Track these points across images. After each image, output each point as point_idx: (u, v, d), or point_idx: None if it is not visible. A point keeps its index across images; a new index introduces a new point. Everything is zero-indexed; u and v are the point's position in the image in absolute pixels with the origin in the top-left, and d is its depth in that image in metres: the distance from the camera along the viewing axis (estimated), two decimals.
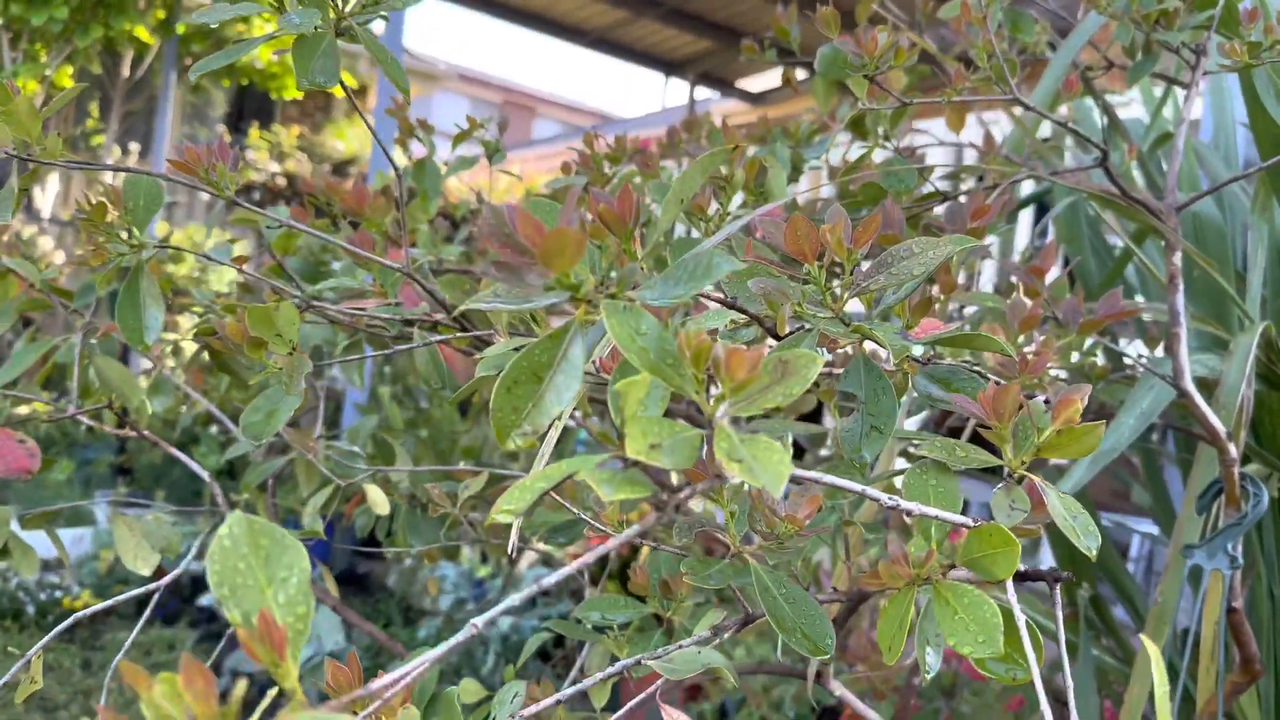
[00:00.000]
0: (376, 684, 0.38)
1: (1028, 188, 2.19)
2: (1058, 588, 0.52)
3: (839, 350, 0.65)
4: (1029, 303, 0.82)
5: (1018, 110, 1.32)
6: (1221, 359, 1.16)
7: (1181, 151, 1.09)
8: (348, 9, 0.65)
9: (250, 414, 0.79)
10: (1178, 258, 1.03)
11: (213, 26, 8.29)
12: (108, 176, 2.44)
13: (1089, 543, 0.51)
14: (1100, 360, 1.38)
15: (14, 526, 1.22)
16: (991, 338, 0.59)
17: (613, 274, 0.48)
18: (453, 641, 0.47)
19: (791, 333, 0.62)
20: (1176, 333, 1.02)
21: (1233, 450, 1.02)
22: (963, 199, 1.00)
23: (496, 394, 0.45)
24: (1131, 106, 3.10)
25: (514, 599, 0.47)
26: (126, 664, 0.31)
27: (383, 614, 4.42)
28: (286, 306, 0.78)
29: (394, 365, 4.12)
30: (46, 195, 7.82)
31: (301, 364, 0.77)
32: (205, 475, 1.06)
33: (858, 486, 0.47)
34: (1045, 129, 1.67)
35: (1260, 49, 1.15)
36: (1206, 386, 1.19)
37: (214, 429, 5.16)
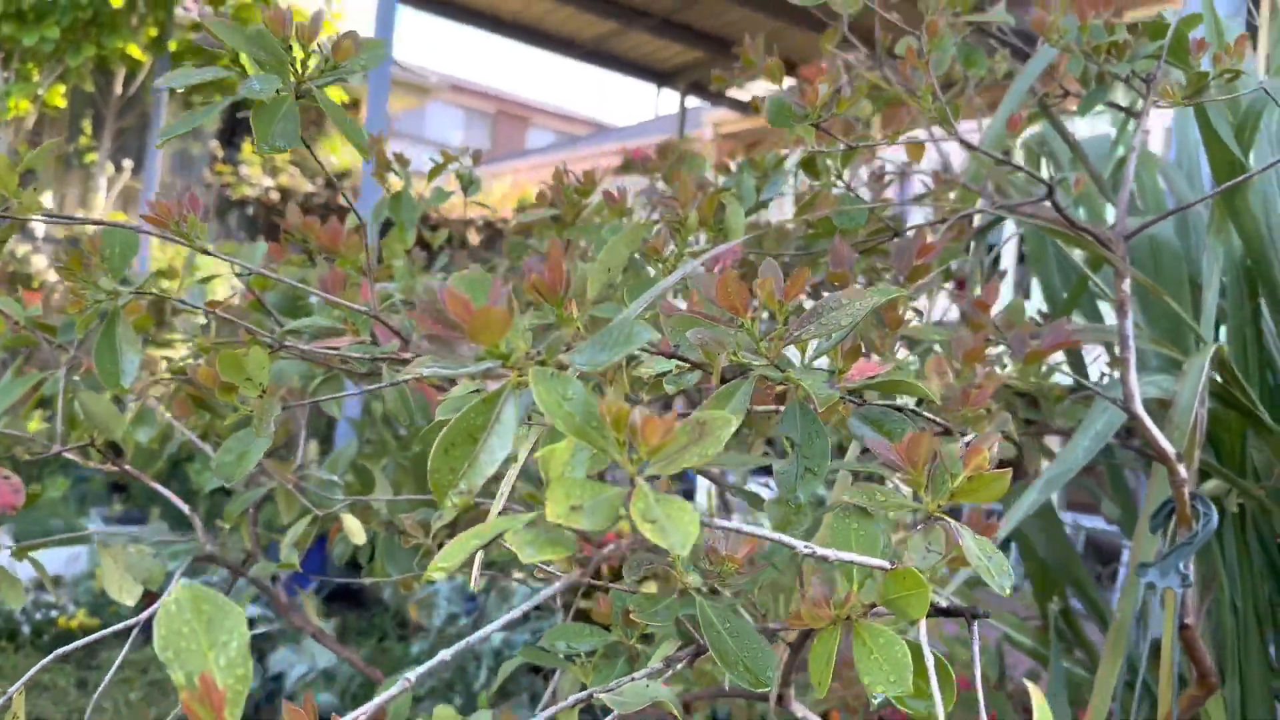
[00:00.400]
0: None
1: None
2: (975, 623, 0.55)
3: (777, 392, 0.68)
4: (971, 336, 0.85)
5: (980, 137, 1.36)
6: (1176, 380, 1.19)
7: (1131, 179, 1.12)
8: (307, 74, 0.68)
9: (223, 454, 0.82)
10: (1126, 284, 1.06)
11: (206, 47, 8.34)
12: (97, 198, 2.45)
13: (1003, 581, 0.54)
14: (1065, 379, 1.41)
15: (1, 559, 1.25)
16: (912, 383, 0.62)
17: (557, 334, 0.51)
18: (420, 670, 0.50)
19: (731, 378, 0.65)
20: (1126, 358, 1.05)
21: (1182, 471, 1.05)
22: (913, 232, 1.04)
23: (434, 455, 0.48)
24: (1100, 122, 3.13)
25: (472, 638, 0.50)
26: None
27: (378, 629, 4.45)
28: (255, 351, 0.81)
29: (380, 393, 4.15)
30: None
31: (271, 407, 0.80)
32: (185, 508, 1.09)
33: (774, 535, 0.50)
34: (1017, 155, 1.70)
35: (1207, 79, 1.19)
36: (1165, 406, 1.23)
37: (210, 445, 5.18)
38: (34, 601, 4.25)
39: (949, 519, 0.56)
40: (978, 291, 1.58)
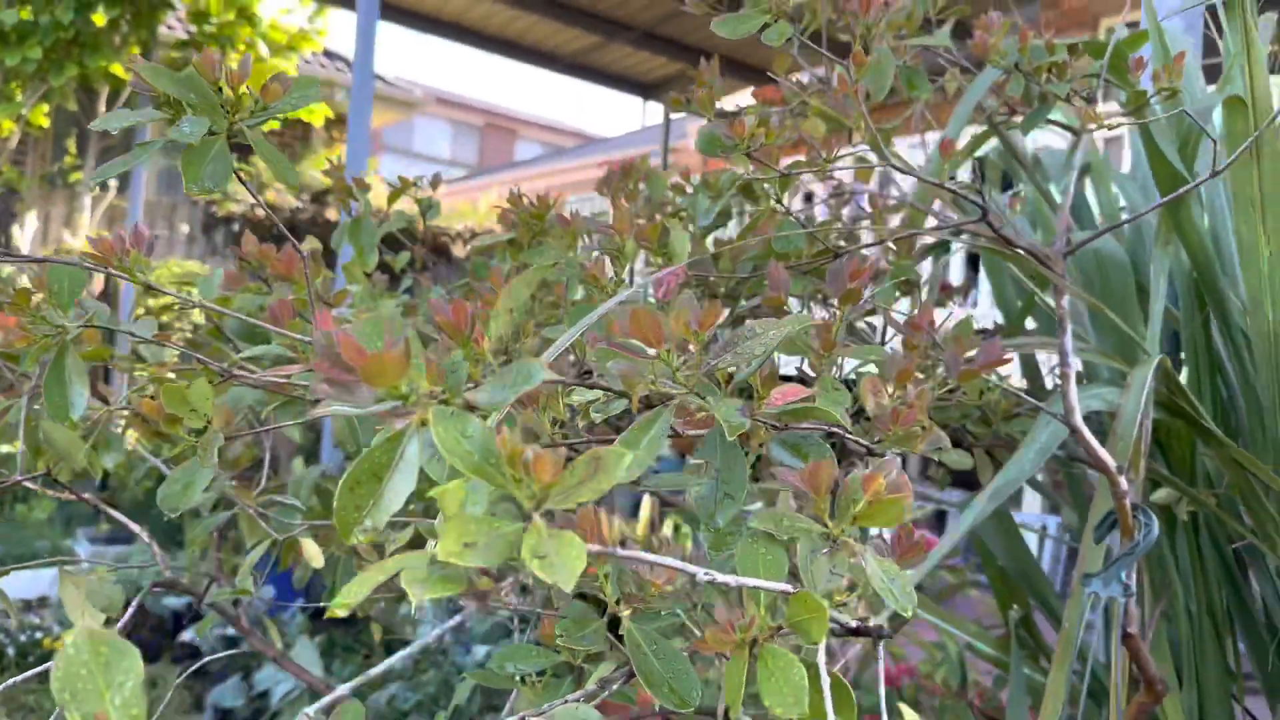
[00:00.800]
0: None
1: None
2: (880, 644, 0.57)
3: (699, 418, 0.69)
4: (904, 356, 0.87)
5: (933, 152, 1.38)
6: (1121, 392, 1.21)
7: (1070, 197, 1.14)
8: (239, 115, 0.70)
9: (169, 485, 0.83)
10: (1065, 300, 1.08)
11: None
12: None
13: (904, 602, 0.56)
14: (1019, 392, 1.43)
15: None
16: (823, 410, 0.64)
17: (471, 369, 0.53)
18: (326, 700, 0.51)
19: (653, 406, 0.67)
20: (1066, 372, 1.07)
21: (1123, 482, 1.07)
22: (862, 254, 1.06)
23: (340, 493, 0.49)
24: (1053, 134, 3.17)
25: (391, 660, 0.52)
26: None
27: (364, 644, 4.45)
28: (199, 383, 0.82)
29: None
30: (25, 234, 7.84)
31: (215, 438, 0.82)
32: (144, 535, 1.10)
33: (669, 561, 0.51)
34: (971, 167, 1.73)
35: (1146, 97, 1.21)
36: (1114, 418, 1.25)
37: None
38: (19, 623, 4.25)
39: (853, 542, 0.58)
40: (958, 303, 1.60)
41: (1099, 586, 1.08)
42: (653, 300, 0.89)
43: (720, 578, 0.52)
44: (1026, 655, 1.52)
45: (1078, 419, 1.07)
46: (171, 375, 1.09)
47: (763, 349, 0.63)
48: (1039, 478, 1.83)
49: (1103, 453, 1.07)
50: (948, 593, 2.47)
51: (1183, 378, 1.48)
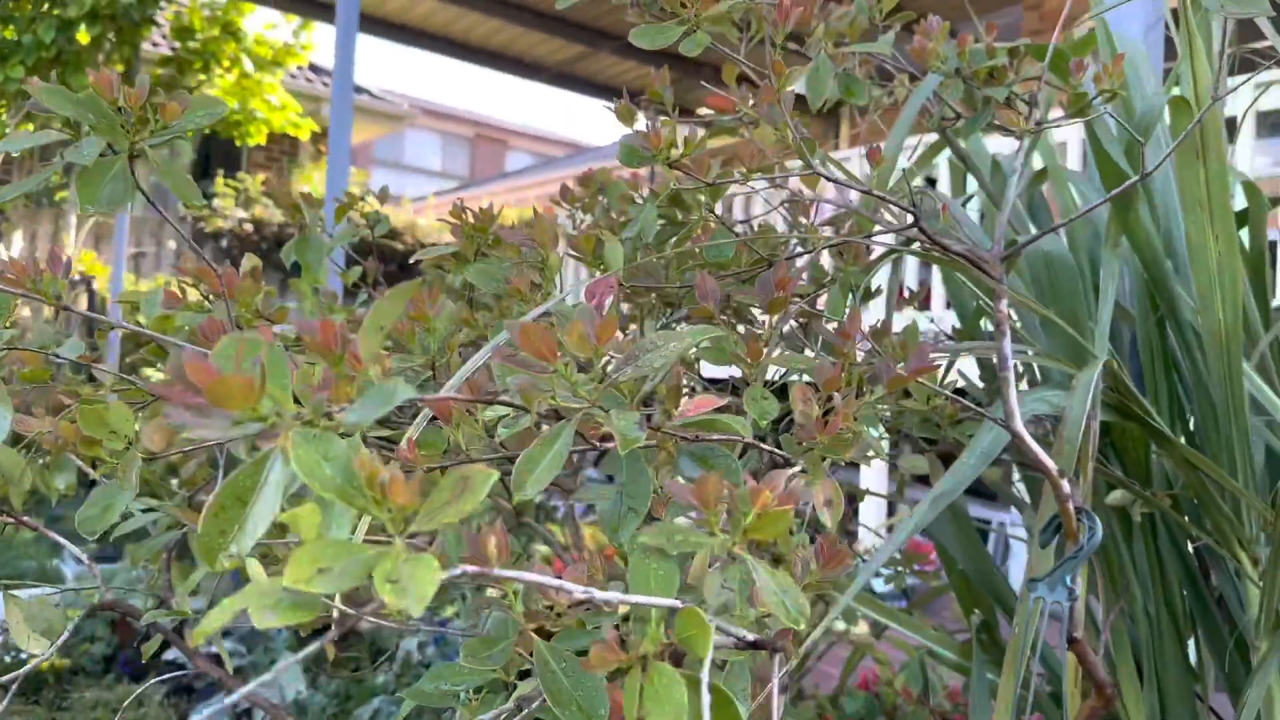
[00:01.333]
0: None
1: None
2: (778, 656, 0.57)
3: (602, 433, 0.69)
4: (831, 366, 0.87)
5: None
6: (1066, 395, 1.21)
7: (1011, 201, 1.14)
8: (140, 135, 0.69)
9: (87, 508, 0.83)
10: (1004, 305, 1.08)
11: (175, 74, 8.35)
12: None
13: (795, 614, 0.55)
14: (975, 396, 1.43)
15: None
16: (726, 421, 0.63)
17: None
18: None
19: (556, 420, 0.66)
20: (1005, 376, 1.07)
21: (1065, 486, 1.07)
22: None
23: (204, 519, 0.49)
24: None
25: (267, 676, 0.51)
26: None
27: (353, 659, 4.44)
28: (118, 405, 0.82)
29: None
30: (11, 252, 7.83)
31: (134, 461, 0.81)
32: (84, 557, 1.09)
33: (544, 579, 0.51)
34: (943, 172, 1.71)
35: (1087, 98, 1.21)
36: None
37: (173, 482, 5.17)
38: (2, 644, 4.23)
39: (747, 556, 0.58)
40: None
41: (1044, 591, 1.08)
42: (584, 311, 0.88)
43: (601, 596, 0.52)
44: (989, 659, 1.51)
45: (1018, 423, 1.06)
46: (110, 396, 1.09)
47: (663, 361, 0.63)
48: (1011, 480, 1.82)
49: (1043, 456, 1.07)
50: (929, 598, 2.46)
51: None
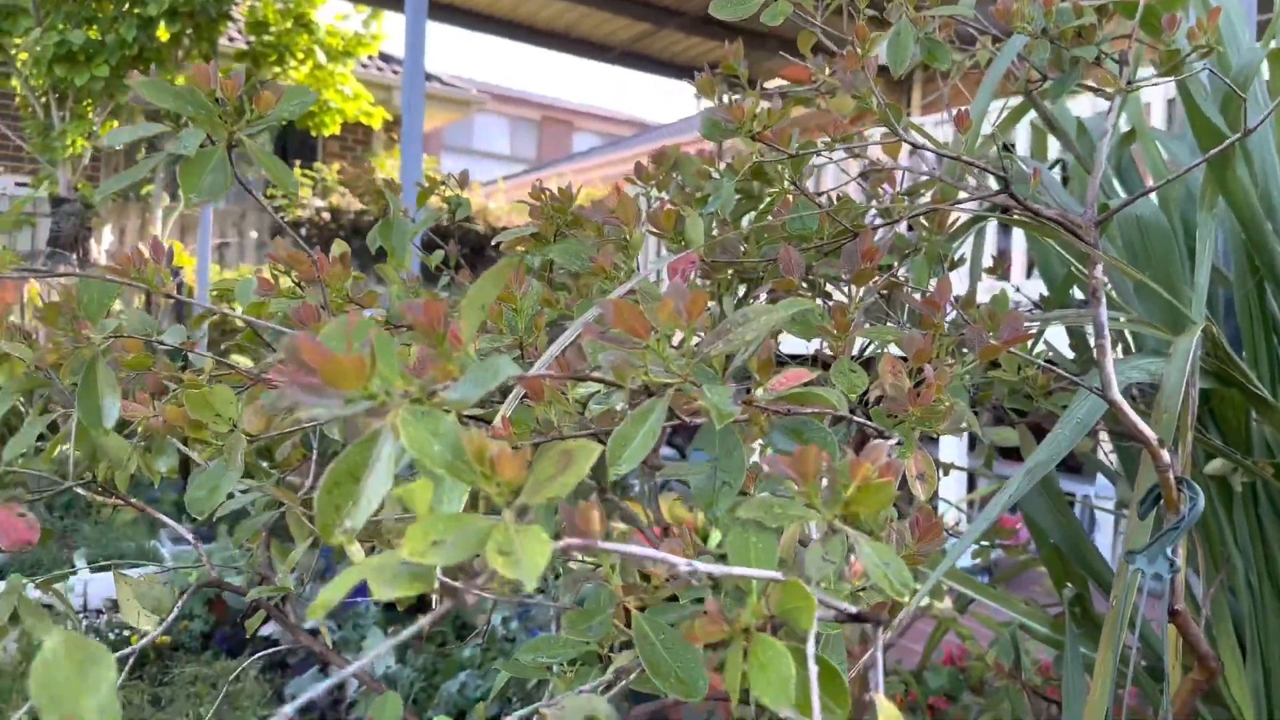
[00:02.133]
0: None
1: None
2: (879, 629, 0.56)
3: (695, 408, 0.69)
4: (921, 336, 0.85)
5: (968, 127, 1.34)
6: (1164, 363, 1.17)
7: (1103, 163, 1.11)
8: (237, 126, 0.71)
9: (194, 489, 0.86)
10: (1098, 270, 1.05)
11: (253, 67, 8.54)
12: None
13: (899, 586, 0.55)
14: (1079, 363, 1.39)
15: (34, 592, 1.31)
16: (818, 394, 0.63)
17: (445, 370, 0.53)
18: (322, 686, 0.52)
19: (648, 395, 0.67)
20: (1101, 344, 1.04)
21: (1165, 455, 1.04)
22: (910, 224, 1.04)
23: (320, 495, 0.50)
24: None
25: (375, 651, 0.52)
26: None
27: (439, 633, 4.53)
28: (221, 389, 0.84)
29: None
30: (101, 246, 8.11)
31: (239, 443, 0.84)
32: (189, 535, 1.14)
33: (649, 552, 0.51)
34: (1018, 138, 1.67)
35: (1180, 55, 1.17)
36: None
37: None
38: (108, 621, 4.42)
39: (848, 528, 0.57)
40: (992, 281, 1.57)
41: (1144, 563, 1.05)
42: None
43: (704, 567, 0.52)
44: (1082, 634, 1.48)
45: (1115, 392, 1.03)
46: (204, 382, 1.12)
47: (754, 334, 0.63)
48: (1099, 453, 1.78)
49: (1142, 425, 1.04)
50: (1014, 572, 2.42)
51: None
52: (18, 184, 8.82)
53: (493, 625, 4.10)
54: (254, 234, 9.82)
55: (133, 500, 1.15)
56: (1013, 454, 1.76)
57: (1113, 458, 1.72)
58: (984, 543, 2.14)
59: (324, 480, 0.50)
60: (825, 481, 0.57)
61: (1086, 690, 1.47)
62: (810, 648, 0.52)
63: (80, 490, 1.20)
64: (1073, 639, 1.46)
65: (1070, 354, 1.62)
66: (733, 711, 0.66)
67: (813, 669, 0.51)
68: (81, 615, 4.48)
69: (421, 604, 4.90)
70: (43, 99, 7.39)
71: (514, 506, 0.48)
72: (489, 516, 0.49)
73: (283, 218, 8.63)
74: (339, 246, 1.23)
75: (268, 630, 4.42)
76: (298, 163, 10.34)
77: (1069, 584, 1.51)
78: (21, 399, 1.35)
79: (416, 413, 0.49)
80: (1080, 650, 1.47)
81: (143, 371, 1.17)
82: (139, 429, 1.05)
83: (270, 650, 1.59)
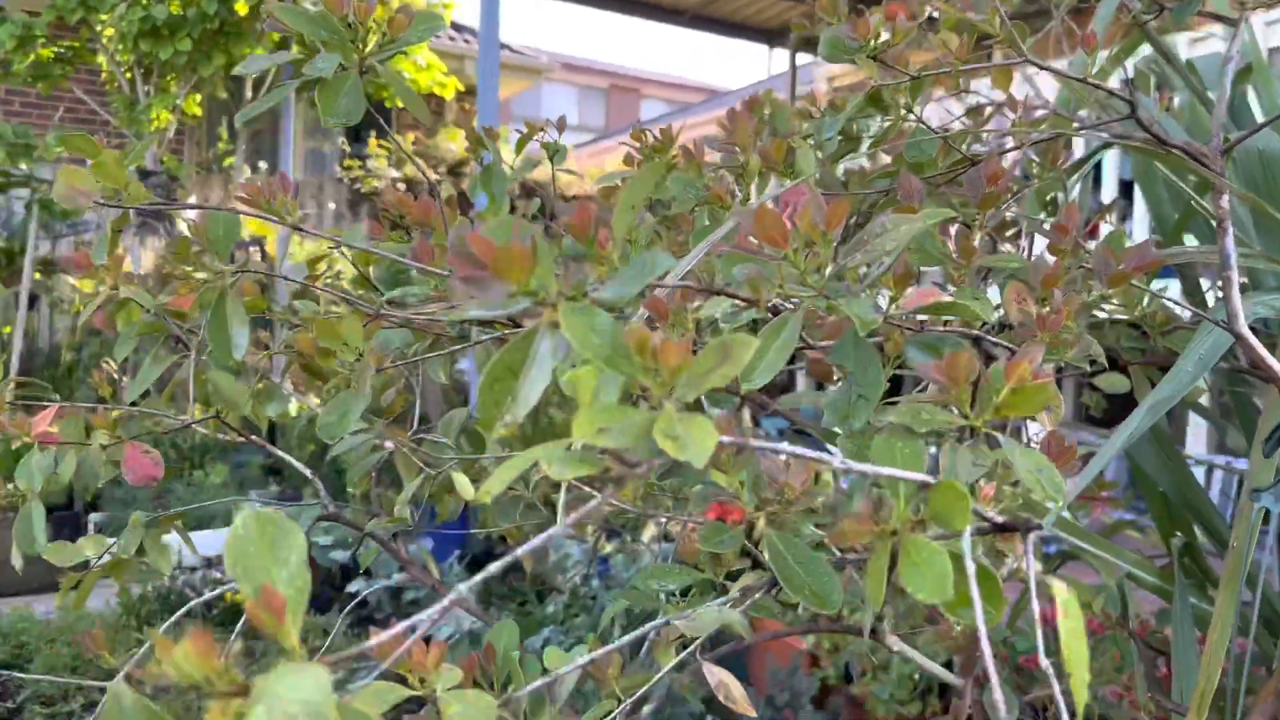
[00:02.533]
0: (373, 640, 0.45)
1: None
2: (1029, 536, 0.56)
3: (830, 323, 0.69)
4: (1050, 262, 0.84)
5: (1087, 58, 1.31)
6: None
7: (1228, 91, 1.07)
8: (368, 50, 0.72)
9: (325, 415, 0.88)
10: (1225, 200, 1.01)
11: None
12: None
13: (1053, 492, 0.54)
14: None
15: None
16: (965, 305, 0.62)
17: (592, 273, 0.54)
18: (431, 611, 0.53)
19: (780, 311, 0.66)
20: (1228, 276, 1.01)
21: None
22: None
23: (480, 391, 0.51)
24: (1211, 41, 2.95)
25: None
26: (160, 637, 0.39)
27: (518, 593, 4.61)
28: (348, 319, 0.86)
29: None
30: (180, 226, 8.34)
31: (367, 369, 0.86)
32: (308, 472, 1.17)
33: (805, 451, 0.51)
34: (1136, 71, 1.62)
35: None
36: None
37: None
38: (203, 578, 4.58)
39: (998, 434, 0.57)
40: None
41: (1270, 501, 1.02)
42: None
43: (856, 465, 0.52)
44: (1192, 584, 1.45)
45: (1242, 324, 1.00)
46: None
47: (894, 244, 0.62)
48: (1203, 402, 1.73)
49: (1271, 360, 1.01)
50: (1105, 534, 2.37)
51: None
52: None
53: (574, 584, 4.16)
54: (332, 205, 9.99)
55: (254, 437, 1.19)
56: (1100, 423, 1.71)
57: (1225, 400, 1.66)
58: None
59: (483, 378, 0.51)
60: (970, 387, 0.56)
61: (1197, 642, 1.44)
62: (966, 544, 0.51)
63: (199, 428, 1.24)
64: (1182, 589, 1.42)
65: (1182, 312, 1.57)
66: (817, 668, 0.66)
67: (970, 566, 0.50)
68: (178, 570, 4.65)
69: (492, 558, 4.98)
70: (128, 74, 7.59)
71: (673, 399, 0.48)
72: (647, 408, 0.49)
73: (359, 189, 8.74)
74: (448, 188, 1.25)
75: (355, 587, 4.54)
76: (373, 134, 10.47)
77: (1177, 534, 1.48)
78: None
79: (574, 309, 0.49)
80: (1189, 599, 1.43)
81: (257, 314, 1.21)
82: (260, 367, 1.08)
83: (355, 607, 1.63)
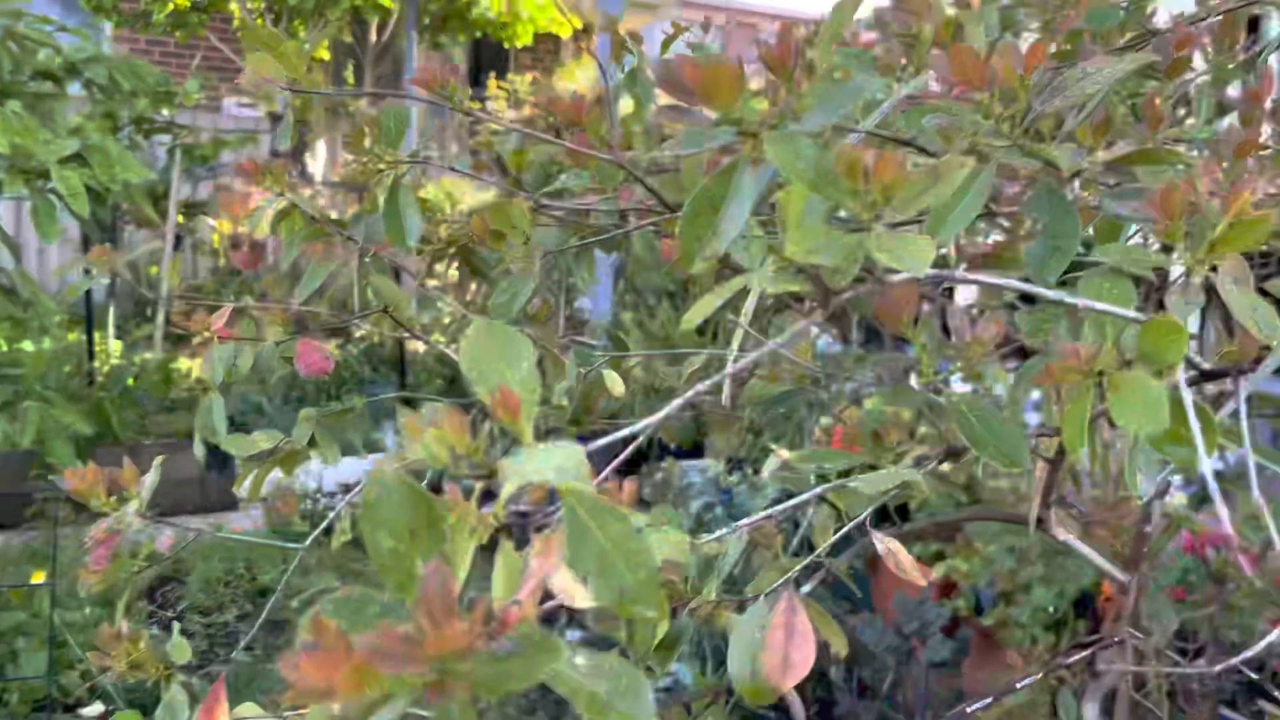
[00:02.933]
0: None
1: None
2: (1242, 380, 0.54)
3: (1023, 175, 0.67)
4: (1242, 130, 0.79)
5: None
6: None
7: None
8: None
9: (498, 296, 0.91)
10: None
11: None
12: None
13: (1268, 331, 0.52)
14: None
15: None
16: (1171, 151, 0.59)
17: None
18: None
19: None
20: None
21: None
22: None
23: (681, 227, 0.52)
24: None
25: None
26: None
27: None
28: (518, 203, 0.88)
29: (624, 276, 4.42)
30: (317, 161, 8.60)
31: (534, 252, 0.88)
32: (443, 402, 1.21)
33: (1013, 283, 0.50)
34: None
35: None
36: None
37: None
38: (350, 503, 4.80)
39: (1214, 274, 0.54)
40: None
41: None
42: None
43: (1069, 298, 0.51)
44: None
45: None
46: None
47: (1095, 87, 0.60)
48: None
49: None
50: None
51: None
52: (240, 104, 9.40)
53: (695, 512, 4.20)
54: (454, 148, 10.17)
55: (416, 331, 1.23)
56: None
57: None
58: None
59: (685, 212, 0.52)
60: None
61: None
62: (1181, 379, 0.50)
63: (360, 324, 1.29)
64: None
65: None
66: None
67: (1187, 397, 0.49)
68: (319, 494, 4.89)
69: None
70: (259, 20, 7.82)
71: (882, 220, 0.48)
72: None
73: (477, 131, 8.76)
74: (592, 92, 1.26)
75: (488, 509, 4.69)
76: (492, 74, 10.57)
77: None
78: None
79: (778, 135, 0.49)
80: None
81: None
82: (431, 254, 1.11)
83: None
